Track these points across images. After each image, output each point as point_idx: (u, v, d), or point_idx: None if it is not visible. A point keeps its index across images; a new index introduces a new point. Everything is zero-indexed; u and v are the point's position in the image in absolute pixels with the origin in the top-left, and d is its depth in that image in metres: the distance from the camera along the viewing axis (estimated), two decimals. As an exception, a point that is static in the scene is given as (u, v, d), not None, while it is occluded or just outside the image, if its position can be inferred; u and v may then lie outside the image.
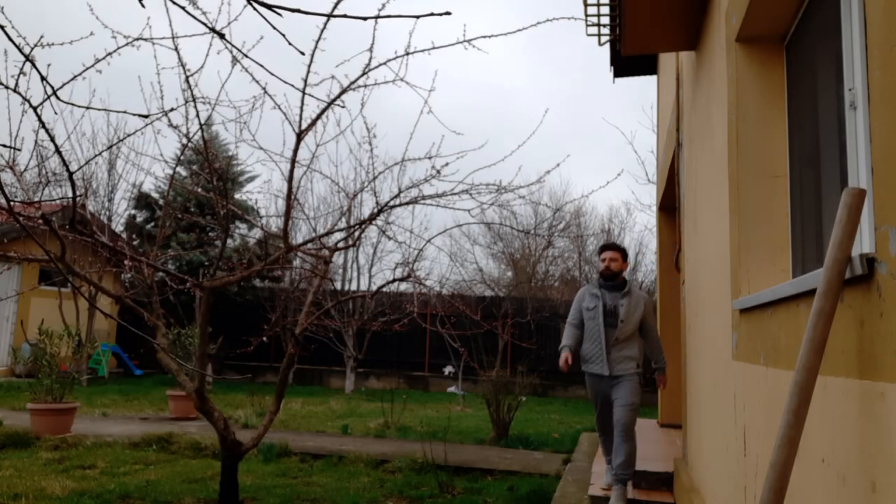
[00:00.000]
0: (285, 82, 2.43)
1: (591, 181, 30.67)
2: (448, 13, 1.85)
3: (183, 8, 1.91)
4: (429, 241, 5.87)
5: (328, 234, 5.45)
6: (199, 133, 4.28)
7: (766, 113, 2.63)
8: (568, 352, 4.74)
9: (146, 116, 2.60)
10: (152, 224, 16.27)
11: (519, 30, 3.75)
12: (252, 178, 16.98)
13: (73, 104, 2.48)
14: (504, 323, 14.49)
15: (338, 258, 15.74)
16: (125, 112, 2.49)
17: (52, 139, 2.98)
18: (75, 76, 2.64)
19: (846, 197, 1.39)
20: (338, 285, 16.09)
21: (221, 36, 1.92)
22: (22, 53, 2.23)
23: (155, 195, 16.14)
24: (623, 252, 4.89)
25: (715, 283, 3.32)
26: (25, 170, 4.36)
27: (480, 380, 11.29)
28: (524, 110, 38.18)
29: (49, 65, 2.30)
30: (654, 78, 8.60)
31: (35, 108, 2.60)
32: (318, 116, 4.21)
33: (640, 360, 4.64)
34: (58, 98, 2.35)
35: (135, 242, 14.90)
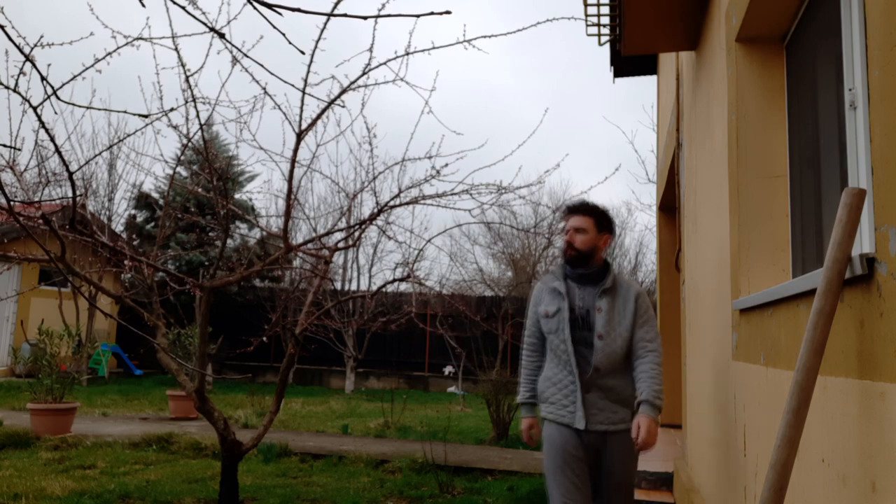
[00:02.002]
0: (285, 82, 2.43)
1: (585, 181, 30.71)
2: (448, 12, 1.85)
3: (183, 8, 1.91)
4: (429, 241, 5.87)
5: (328, 234, 5.45)
6: (199, 133, 4.28)
7: (766, 113, 2.63)
8: (530, 417, 3.01)
9: (146, 116, 2.60)
10: (152, 224, 16.28)
11: (519, 30, 3.75)
12: (252, 178, 17.00)
13: (73, 104, 2.48)
14: (504, 323, 14.49)
15: (338, 258, 15.76)
16: (125, 112, 2.49)
17: (52, 139, 2.98)
18: (75, 76, 2.64)
19: (846, 197, 1.39)
20: (338, 285, 16.10)
21: (221, 36, 1.92)
22: (22, 53, 2.23)
23: (155, 195, 16.15)
24: (599, 217, 2.96)
25: (715, 283, 3.32)
26: (25, 170, 4.36)
27: (480, 380, 11.30)
28: (512, 110, 38.38)
29: (49, 65, 2.30)
30: (646, 78, 8.61)
31: (35, 108, 2.60)
32: (318, 116, 4.21)
33: (633, 395, 2.88)
34: (58, 98, 2.35)
35: (135, 242, 14.90)
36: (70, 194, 3.46)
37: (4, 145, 2.49)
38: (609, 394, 2.84)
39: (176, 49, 3.84)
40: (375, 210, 4.99)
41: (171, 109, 3.78)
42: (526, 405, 3.05)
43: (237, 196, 16.01)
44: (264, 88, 3.91)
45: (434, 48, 3.67)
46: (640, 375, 2.86)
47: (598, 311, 2.85)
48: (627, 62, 7.42)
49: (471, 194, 4.88)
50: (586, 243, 2.92)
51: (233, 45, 2.16)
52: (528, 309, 3.12)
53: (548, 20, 3.71)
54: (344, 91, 4.15)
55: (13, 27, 2.19)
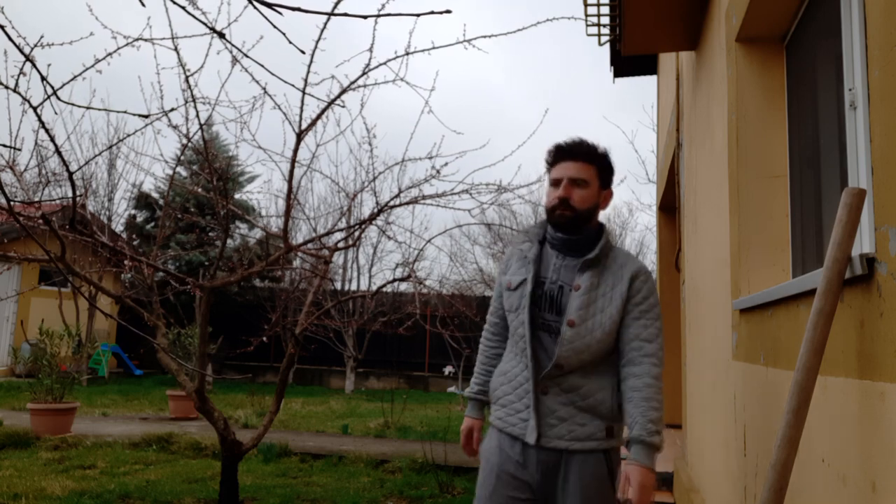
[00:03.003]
0: (285, 82, 2.43)
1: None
2: (448, 11, 1.85)
3: (183, 8, 1.91)
4: (429, 241, 5.87)
5: (328, 234, 5.45)
6: (199, 133, 4.28)
7: (766, 113, 2.63)
8: (472, 418, 2.32)
9: (146, 116, 2.60)
10: (152, 224, 16.29)
11: (519, 29, 3.76)
12: (252, 178, 17.02)
13: (73, 104, 2.48)
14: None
15: (338, 258, 15.77)
16: (125, 112, 2.49)
17: (52, 139, 2.98)
18: (75, 76, 2.64)
19: (846, 197, 1.39)
20: (338, 285, 16.11)
21: (221, 36, 1.92)
22: (22, 53, 2.23)
23: (155, 195, 16.16)
24: (604, 166, 2.18)
25: (715, 283, 3.32)
26: (25, 170, 4.36)
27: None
28: (511, 110, 38.55)
29: (49, 65, 2.30)
30: (646, 78, 8.61)
31: (35, 108, 2.60)
32: (318, 116, 4.21)
33: (615, 415, 2.08)
34: (58, 98, 2.35)
35: (135, 242, 14.91)
36: (70, 194, 3.46)
37: (4, 145, 2.49)
38: (575, 398, 2.05)
39: (176, 49, 3.84)
40: (375, 210, 4.99)
41: (172, 109, 3.78)
42: (473, 402, 2.33)
43: (237, 196, 16.02)
44: (264, 88, 3.91)
45: (434, 48, 3.67)
46: (631, 394, 2.02)
47: (575, 290, 2.06)
48: (627, 62, 7.42)
49: (470, 194, 4.88)
50: (587, 201, 2.11)
51: (233, 46, 2.16)
52: (497, 281, 2.35)
53: (548, 20, 3.71)
54: (344, 91, 4.15)
55: (13, 27, 2.19)
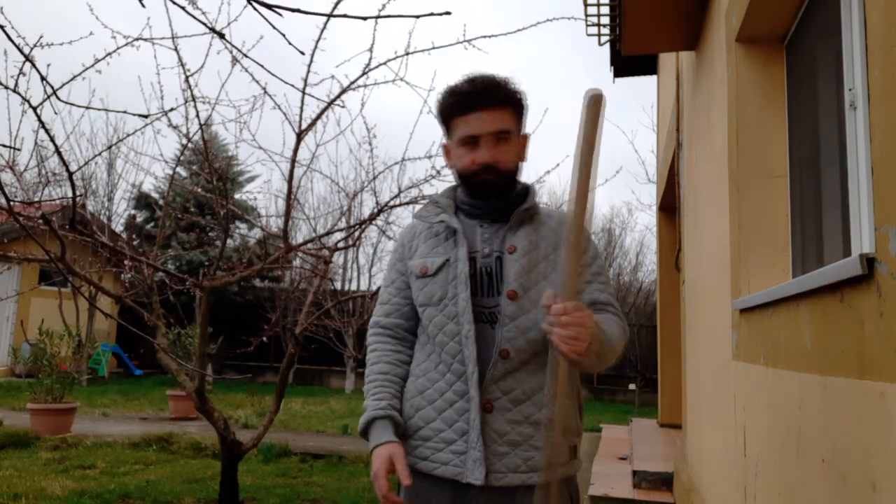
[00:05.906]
0: (285, 82, 2.43)
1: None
2: (448, 13, 1.85)
3: (183, 8, 1.91)
4: (429, 240, 5.86)
5: (328, 234, 5.45)
6: (199, 133, 4.28)
7: (766, 113, 2.64)
8: (388, 443, 1.53)
9: (146, 116, 2.60)
10: (152, 224, 16.30)
11: (519, 29, 3.75)
12: (252, 178, 17.04)
13: (72, 104, 2.48)
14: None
15: (338, 258, 15.77)
16: (125, 112, 2.49)
17: (52, 139, 2.98)
18: (75, 76, 2.64)
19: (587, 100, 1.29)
20: (338, 285, 16.11)
21: (221, 36, 1.92)
22: (22, 53, 2.23)
23: (155, 195, 16.17)
24: (518, 105, 1.65)
25: (715, 283, 3.32)
26: (25, 170, 4.36)
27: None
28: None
29: (49, 65, 2.31)
30: (646, 78, 8.61)
31: (35, 108, 2.60)
32: (318, 116, 4.21)
33: (579, 425, 1.64)
34: (58, 98, 2.35)
35: (135, 242, 14.92)
36: (70, 194, 3.46)
37: (4, 145, 2.50)
38: (530, 410, 1.55)
39: (176, 49, 3.83)
40: (375, 210, 4.99)
41: (171, 109, 3.79)
42: (380, 422, 1.58)
43: (237, 196, 16.03)
44: (264, 88, 3.91)
45: (434, 48, 3.67)
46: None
47: (509, 253, 1.60)
48: (627, 62, 7.42)
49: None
50: (512, 156, 1.65)
51: (233, 46, 2.16)
52: (387, 271, 1.79)
53: (548, 20, 3.70)
54: (344, 91, 4.14)
55: (13, 27, 2.19)
